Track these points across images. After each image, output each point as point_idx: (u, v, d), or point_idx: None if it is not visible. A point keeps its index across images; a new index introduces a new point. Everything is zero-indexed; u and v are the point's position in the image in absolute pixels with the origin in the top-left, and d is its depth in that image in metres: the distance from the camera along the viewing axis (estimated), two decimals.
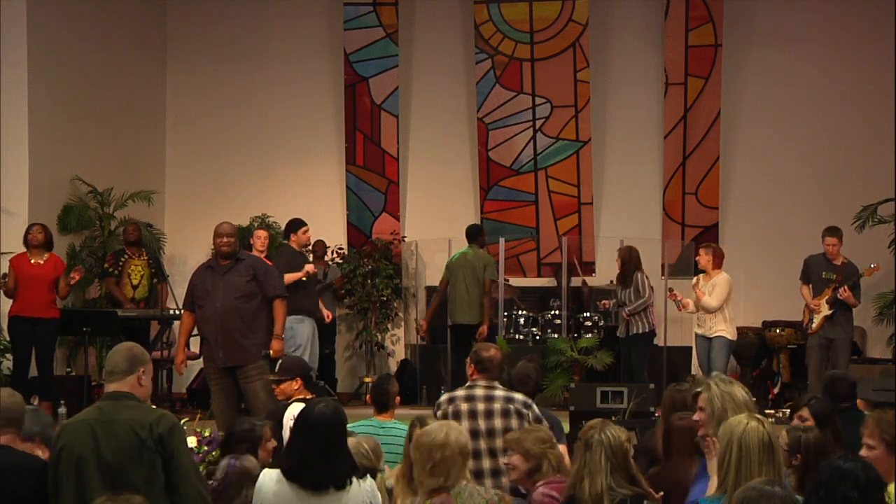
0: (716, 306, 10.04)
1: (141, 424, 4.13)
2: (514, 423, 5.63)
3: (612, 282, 11.49)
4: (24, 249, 9.72)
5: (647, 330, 10.60)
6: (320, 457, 4.30)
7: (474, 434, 5.63)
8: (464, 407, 5.74)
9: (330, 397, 9.22)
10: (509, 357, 10.55)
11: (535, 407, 5.78)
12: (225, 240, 8.03)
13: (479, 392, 5.77)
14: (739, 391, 4.60)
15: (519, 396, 5.81)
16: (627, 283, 10.50)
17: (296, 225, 10.05)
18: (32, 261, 9.61)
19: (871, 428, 4.69)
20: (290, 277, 9.36)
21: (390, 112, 13.12)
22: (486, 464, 5.66)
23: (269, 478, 4.40)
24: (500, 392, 5.79)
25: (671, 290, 10.52)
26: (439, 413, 5.82)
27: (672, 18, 12.74)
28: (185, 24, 13.51)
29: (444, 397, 5.95)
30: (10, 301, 9.68)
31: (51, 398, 9.44)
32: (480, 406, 5.72)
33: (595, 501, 4.16)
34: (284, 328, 8.20)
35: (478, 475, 5.60)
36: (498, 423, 5.67)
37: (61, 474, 4.20)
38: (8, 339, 9.81)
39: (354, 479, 4.33)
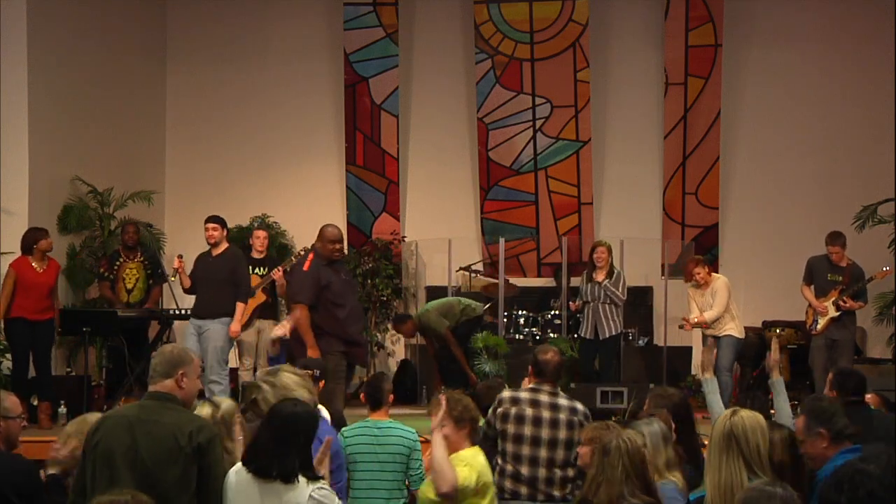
0: (718, 314, 10.05)
1: (182, 431, 4.15)
2: (577, 435, 5.52)
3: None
4: (20, 250, 9.58)
5: (620, 331, 10.60)
6: (271, 447, 4.30)
7: (535, 441, 5.60)
8: (529, 412, 5.64)
9: None
10: (508, 357, 10.61)
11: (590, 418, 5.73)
12: (338, 245, 8.16)
13: (545, 398, 5.68)
14: (287, 376, 4.88)
15: (580, 407, 5.74)
16: (611, 275, 10.45)
17: None
18: (36, 266, 9.48)
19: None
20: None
21: (390, 112, 13.12)
22: (542, 472, 5.61)
23: (233, 470, 4.43)
24: (564, 401, 5.72)
25: (682, 326, 10.51)
26: (500, 410, 5.68)
27: (672, 18, 12.74)
28: (185, 24, 13.51)
29: (507, 394, 5.78)
30: (10, 302, 9.61)
31: (50, 398, 9.43)
32: (546, 414, 5.64)
33: None
34: None
35: (531, 482, 5.58)
36: (562, 434, 5.60)
37: (94, 468, 4.18)
38: (5, 340, 9.77)
39: (303, 479, 4.28)
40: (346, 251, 8.85)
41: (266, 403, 4.73)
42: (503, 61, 12.92)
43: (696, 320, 10.17)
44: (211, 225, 9.45)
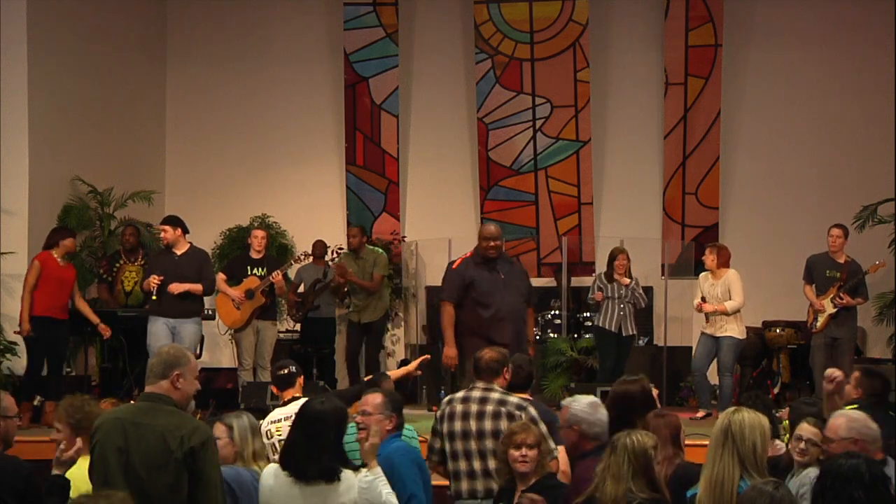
0: (741, 304, 9.95)
1: (173, 434, 4.09)
2: (503, 424, 5.58)
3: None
4: (44, 246, 9.60)
5: (636, 332, 10.65)
6: (308, 449, 4.36)
7: (465, 435, 5.68)
8: (458, 408, 5.77)
9: None
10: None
11: (530, 408, 5.73)
12: (493, 243, 8.09)
13: (476, 394, 5.79)
14: None
15: (513, 399, 5.79)
16: (631, 276, 10.51)
17: None
18: (59, 259, 9.47)
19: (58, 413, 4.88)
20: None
21: (390, 112, 13.13)
22: (477, 465, 5.66)
23: (269, 472, 4.48)
24: (495, 394, 5.78)
25: (699, 308, 10.13)
26: (438, 414, 5.88)
27: (672, 18, 12.74)
28: (185, 24, 13.52)
29: (445, 399, 6.01)
30: (10, 300, 9.63)
31: (56, 398, 9.43)
32: (473, 408, 5.73)
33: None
34: None
35: (470, 475, 5.65)
36: (488, 424, 5.66)
37: (95, 470, 4.20)
38: (8, 339, 9.78)
39: (348, 473, 4.34)
40: (502, 248, 8.41)
41: None
42: (503, 61, 12.92)
43: (714, 308, 9.92)
44: (161, 227, 9.66)
